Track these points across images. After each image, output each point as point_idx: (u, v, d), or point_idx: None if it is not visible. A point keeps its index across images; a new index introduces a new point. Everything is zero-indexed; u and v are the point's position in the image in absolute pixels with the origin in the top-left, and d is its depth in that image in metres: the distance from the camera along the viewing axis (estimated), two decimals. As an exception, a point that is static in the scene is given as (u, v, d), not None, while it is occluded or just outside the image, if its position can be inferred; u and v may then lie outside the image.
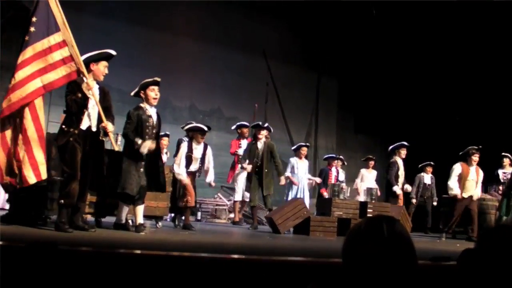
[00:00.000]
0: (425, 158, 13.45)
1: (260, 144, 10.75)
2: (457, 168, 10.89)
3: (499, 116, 14.94)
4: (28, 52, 5.99)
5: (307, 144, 13.14)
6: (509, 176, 12.54)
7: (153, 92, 7.35)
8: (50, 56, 6.02)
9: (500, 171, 12.75)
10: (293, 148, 13.15)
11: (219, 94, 15.76)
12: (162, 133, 11.24)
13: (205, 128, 9.42)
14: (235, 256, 4.34)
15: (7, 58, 11.58)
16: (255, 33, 16.38)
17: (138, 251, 4.10)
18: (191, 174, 9.29)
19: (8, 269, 2.88)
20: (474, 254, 1.97)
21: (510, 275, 1.84)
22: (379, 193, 12.66)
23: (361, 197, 12.42)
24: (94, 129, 6.54)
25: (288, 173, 12.31)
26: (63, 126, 6.46)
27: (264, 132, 10.79)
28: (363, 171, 13.58)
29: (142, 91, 7.39)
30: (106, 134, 6.55)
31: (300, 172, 12.37)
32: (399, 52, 16.78)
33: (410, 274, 1.97)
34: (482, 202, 11.84)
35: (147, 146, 7.16)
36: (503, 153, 12.71)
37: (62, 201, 6.34)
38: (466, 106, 15.74)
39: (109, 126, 6.52)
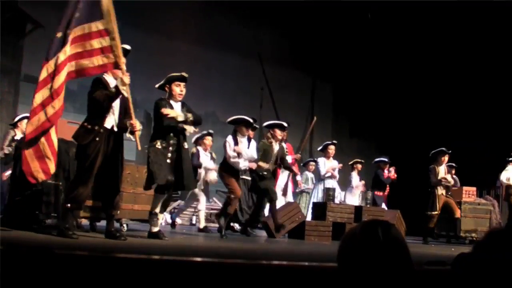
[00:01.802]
0: (421, 161, 13.44)
1: (276, 146, 9.64)
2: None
3: (495, 119, 14.97)
4: (71, 35, 5.68)
5: (334, 142, 12.42)
6: None
7: (179, 88, 7.08)
8: (88, 43, 5.73)
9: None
10: (319, 148, 12.62)
11: (214, 98, 15.76)
12: (204, 132, 11.11)
13: (250, 120, 9.01)
14: (230, 260, 4.34)
15: (5, 61, 11.62)
16: (250, 37, 16.39)
17: (134, 256, 4.10)
18: (236, 174, 8.86)
19: (4, 275, 2.87)
20: (469, 258, 1.98)
21: (504, 279, 1.84)
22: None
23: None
24: (115, 129, 6.24)
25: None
26: (86, 124, 6.12)
27: (281, 133, 9.74)
28: (353, 175, 13.49)
29: (167, 85, 7.10)
30: (132, 132, 6.24)
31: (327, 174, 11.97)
32: (394, 56, 16.84)
33: (405, 279, 1.97)
34: (477, 207, 11.88)
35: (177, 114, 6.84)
36: (509, 158, 12.72)
37: (69, 205, 6.02)
38: (462, 109, 15.78)
39: (138, 124, 6.24)
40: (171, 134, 6.92)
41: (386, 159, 13.08)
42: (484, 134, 14.51)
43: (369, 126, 18.00)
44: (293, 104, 17.31)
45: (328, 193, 10.69)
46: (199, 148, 10.89)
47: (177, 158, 6.91)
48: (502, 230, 1.99)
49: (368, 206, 10.88)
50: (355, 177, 13.28)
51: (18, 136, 9.53)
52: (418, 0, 14.66)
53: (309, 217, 11.01)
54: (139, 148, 6.49)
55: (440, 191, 11.00)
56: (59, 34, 5.68)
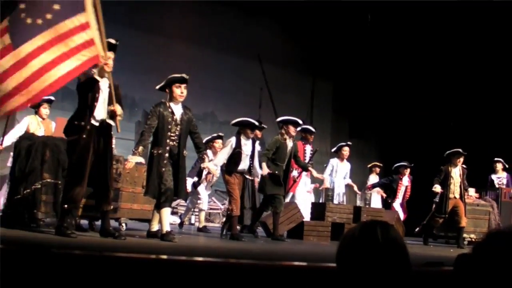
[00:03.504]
0: (419, 162, 13.44)
1: (290, 143, 9.36)
2: None
3: (493, 121, 14.98)
4: (47, 36, 5.25)
5: (348, 143, 12.04)
6: (504, 181, 12.57)
7: (179, 89, 6.99)
8: (70, 40, 5.33)
9: (494, 176, 12.78)
10: (333, 149, 12.28)
11: (212, 98, 15.73)
12: (214, 135, 11.08)
13: (256, 123, 8.93)
14: (228, 260, 4.34)
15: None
16: (250, 37, 16.36)
17: (132, 255, 4.09)
18: (241, 176, 8.77)
19: (4, 274, 2.87)
20: (470, 259, 1.98)
21: (506, 281, 1.84)
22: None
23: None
24: (104, 123, 6.26)
25: (326, 176, 11.62)
26: (73, 121, 6.15)
27: (295, 130, 9.49)
28: (371, 177, 13.37)
29: (168, 87, 7.04)
30: (113, 117, 6.27)
31: (338, 176, 11.74)
32: (394, 57, 16.82)
33: (404, 280, 1.97)
34: (476, 208, 11.88)
35: (133, 160, 6.86)
36: (495, 158, 12.72)
37: (66, 206, 6.05)
38: (461, 111, 15.78)
39: (118, 109, 6.25)
40: (167, 141, 6.92)
41: (405, 163, 12.61)
42: (484, 135, 14.51)
43: (369, 127, 17.99)
44: (292, 104, 17.25)
45: (327, 193, 10.68)
46: (208, 151, 10.84)
47: (173, 165, 6.93)
48: (501, 231, 1.98)
49: (367, 206, 10.87)
50: (372, 180, 13.20)
51: (34, 125, 8.82)
52: (418, 0, 14.65)
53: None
54: (119, 131, 6.46)
55: (451, 194, 10.65)
56: (30, 20, 5.31)
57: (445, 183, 10.64)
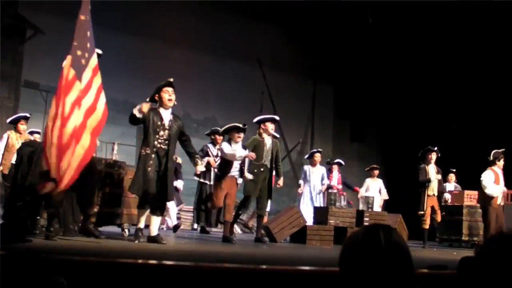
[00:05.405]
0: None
1: (268, 141, 9.30)
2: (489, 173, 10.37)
3: (495, 123, 14.96)
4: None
5: (319, 150, 12.69)
6: None
7: (167, 94, 7.08)
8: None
9: None
10: (306, 156, 12.93)
11: (213, 102, 15.74)
12: (213, 128, 11.70)
13: (240, 125, 9.00)
14: (232, 265, 4.32)
15: (5, 67, 11.64)
16: (250, 41, 16.38)
17: (131, 260, 4.08)
18: (230, 180, 8.93)
19: (3, 280, 2.86)
20: (474, 262, 1.96)
21: (510, 285, 1.83)
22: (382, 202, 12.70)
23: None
24: None
25: (300, 181, 12.34)
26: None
27: (273, 127, 9.43)
28: (368, 180, 13.47)
29: (157, 94, 7.15)
30: None
31: (313, 180, 12.15)
32: (395, 60, 16.84)
33: (407, 283, 1.96)
34: (479, 210, 11.85)
35: (142, 106, 6.90)
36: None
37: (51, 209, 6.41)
38: (463, 113, 15.77)
39: None
40: (155, 143, 7.03)
41: (339, 161, 13.39)
42: (486, 137, 14.49)
43: (370, 130, 17.99)
44: (293, 108, 17.29)
45: (330, 197, 10.67)
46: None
47: (161, 168, 7.03)
48: (507, 233, 1.97)
49: (369, 210, 10.85)
50: (369, 183, 13.33)
51: (13, 140, 9.59)
52: (419, 2, 14.66)
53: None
54: None
55: (430, 191, 10.82)
56: (80, 52, 5.90)
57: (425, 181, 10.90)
